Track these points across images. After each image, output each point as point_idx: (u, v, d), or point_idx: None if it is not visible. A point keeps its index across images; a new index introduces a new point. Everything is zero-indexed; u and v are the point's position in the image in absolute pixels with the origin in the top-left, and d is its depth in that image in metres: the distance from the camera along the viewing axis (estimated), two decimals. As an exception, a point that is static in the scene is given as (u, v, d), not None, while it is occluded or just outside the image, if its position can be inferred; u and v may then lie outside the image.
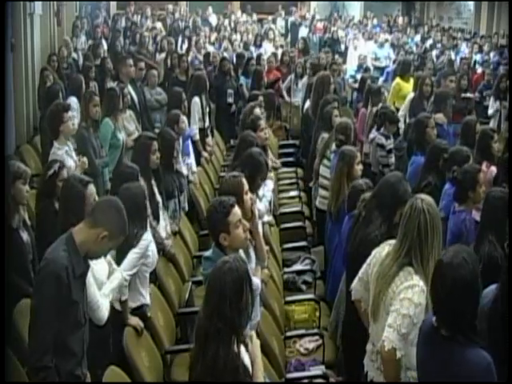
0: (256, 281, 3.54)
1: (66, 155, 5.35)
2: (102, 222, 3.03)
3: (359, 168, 5.16)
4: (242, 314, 2.66)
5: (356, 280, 3.51)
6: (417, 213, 3.12)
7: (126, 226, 3.12)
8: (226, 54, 11.47)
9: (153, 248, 4.21)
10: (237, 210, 3.43)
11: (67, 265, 2.93)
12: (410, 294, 3.04)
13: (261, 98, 7.78)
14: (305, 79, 9.93)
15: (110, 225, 3.04)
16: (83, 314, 3.10)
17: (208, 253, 3.54)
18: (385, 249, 3.34)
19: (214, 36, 14.38)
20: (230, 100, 9.45)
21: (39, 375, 2.94)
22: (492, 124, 8.89)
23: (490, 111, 9.29)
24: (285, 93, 10.66)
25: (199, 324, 2.71)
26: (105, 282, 3.60)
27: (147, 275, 4.15)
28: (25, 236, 4.00)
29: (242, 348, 2.84)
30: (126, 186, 4.14)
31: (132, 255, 3.95)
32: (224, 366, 2.58)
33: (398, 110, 7.80)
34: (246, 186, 3.94)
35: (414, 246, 3.12)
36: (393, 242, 3.30)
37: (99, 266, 3.59)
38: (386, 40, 14.54)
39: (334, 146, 6.04)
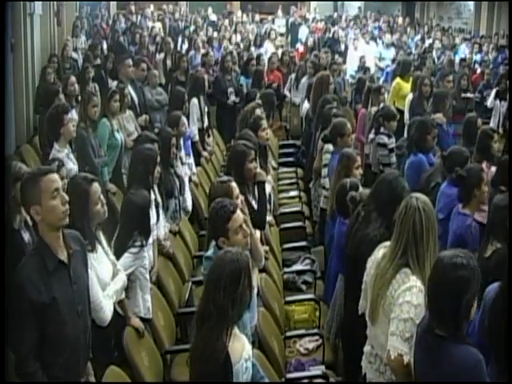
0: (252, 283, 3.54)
1: (67, 158, 5.35)
2: (24, 202, 3.01)
3: (358, 172, 5.07)
4: (235, 304, 2.69)
5: (362, 295, 3.47)
6: (412, 211, 3.10)
7: (31, 181, 2.97)
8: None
9: (149, 249, 4.23)
10: (237, 216, 3.42)
11: (30, 272, 2.90)
12: (409, 297, 3.01)
13: (258, 95, 7.80)
14: (305, 79, 9.93)
15: (25, 195, 2.98)
16: (75, 305, 3.05)
17: (209, 252, 3.54)
18: (380, 252, 3.32)
19: (214, 36, 14.40)
20: (233, 98, 9.45)
21: (24, 379, 2.95)
22: (492, 123, 8.89)
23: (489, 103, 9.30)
24: (287, 92, 10.67)
25: (197, 309, 2.79)
26: (108, 283, 3.59)
27: (147, 276, 4.14)
28: (26, 236, 3.99)
29: (245, 340, 2.85)
30: (133, 194, 4.29)
31: (127, 256, 3.98)
32: (208, 352, 2.62)
33: (398, 110, 7.80)
34: (237, 190, 3.96)
35: (410, 245, 3.10)
36: (388, 243, 3.28)
37: (103, 267, 3.58)
38: (393, 43, 14.56)
39: (331, 147, 6.04)
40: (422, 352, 2.77)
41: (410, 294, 3.02)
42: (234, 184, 4.00)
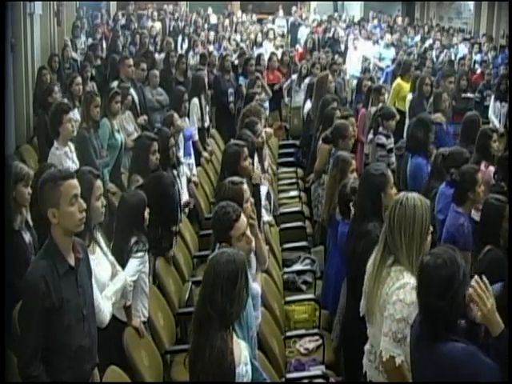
0: (256, 287, 3.53)
1: (65, 157, 5.34)
2: (42, 203, 2.98)
3: (353, 176, 4.99)
4: (234, 303, 2.68)
5: (363, 296, 3.46)
6: (392, 205, 3.11)
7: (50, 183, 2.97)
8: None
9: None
10: (241, 223, 3.40)
11: (43, 273, 2.90)
12: (402, 295, 3.00)
13: (257, 97, 7.79)
14: (307, 80, 9.92)
15: (44, 197, 2.97)
16: (80, 309, 3.06)
17: (213, 254, 3.53)
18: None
19: (213, 36, 14.38)
20: (231, 99, 9.45)
21: (28, 381, 2.96)
22: (495, 123, 8.88)
23: (491, 111, 9.30)
24: (285, 94, 10.66)
25: (194, 312, 2.77)
26: (107, 284, 3.57)
27: (147, 281, 4.10)
28: (27, 237, 4.00)
29: (243, 345, 2.85)
30: (127, 193, 4.25)
31: (134, 261, 3.91)
32: (211, 352, 2.60)
33: (398, 110, 7.80)
34: (247, 193, 3.93)
35: (388, 239, 3.09)
36: None
37: (101, 268, 3.56)
38: (393, 43, 14.54)
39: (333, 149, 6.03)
40: (415, 351, 2.76)
41: (403, 292, 3.00)
42: (245, 186, 3.95)
